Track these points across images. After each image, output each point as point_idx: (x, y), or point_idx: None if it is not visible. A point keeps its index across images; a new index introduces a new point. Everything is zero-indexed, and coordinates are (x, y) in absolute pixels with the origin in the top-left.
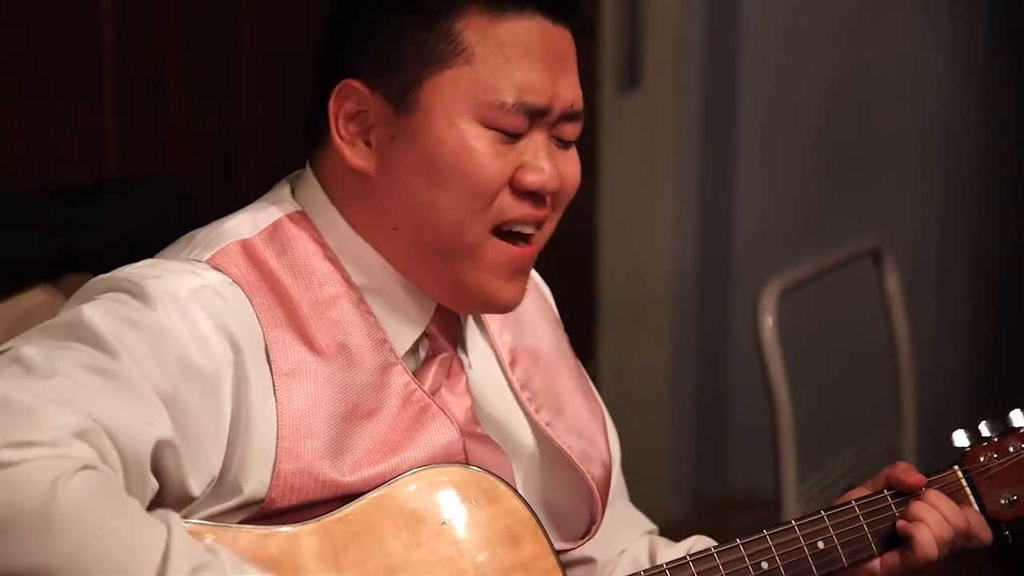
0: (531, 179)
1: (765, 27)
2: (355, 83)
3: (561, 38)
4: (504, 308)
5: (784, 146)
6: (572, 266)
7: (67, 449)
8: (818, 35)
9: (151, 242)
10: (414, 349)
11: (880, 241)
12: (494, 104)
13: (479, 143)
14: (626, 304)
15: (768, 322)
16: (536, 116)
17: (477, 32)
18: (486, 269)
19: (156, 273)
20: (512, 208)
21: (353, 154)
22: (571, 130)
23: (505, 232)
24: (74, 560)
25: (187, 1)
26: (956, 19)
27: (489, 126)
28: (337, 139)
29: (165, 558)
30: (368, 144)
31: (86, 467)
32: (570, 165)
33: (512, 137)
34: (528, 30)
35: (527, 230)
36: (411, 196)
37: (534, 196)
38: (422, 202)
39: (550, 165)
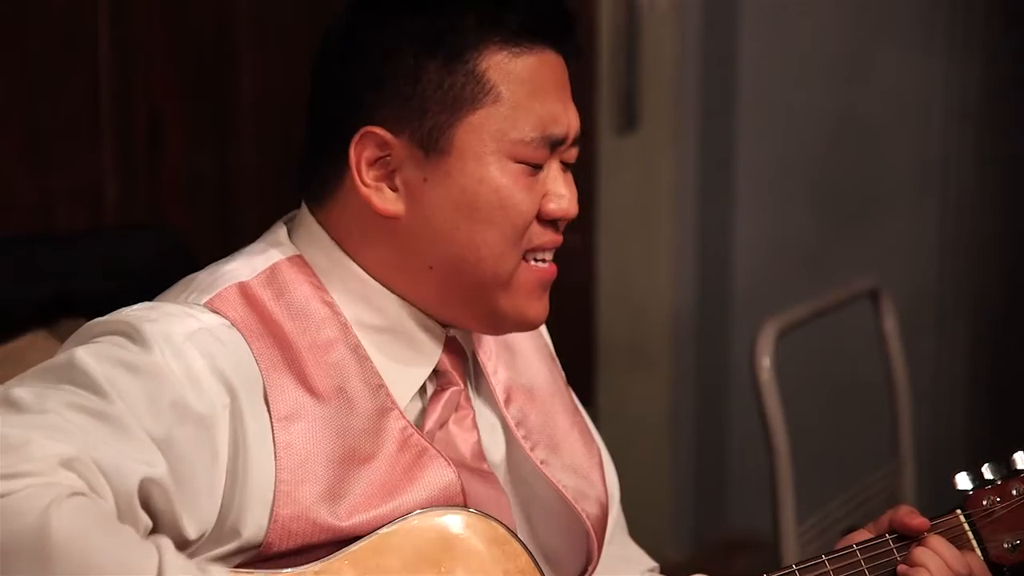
0: (554, 207)
1: (762, 68)
2: (376, 129)
3: (562, 66)
4: (535, 325)
5: (781, 186)
6: (571, 307)
7: (55, 477)
8: (815, 76)
9: (147, 288)
10: (423, 385)
11: (878, 281)
12: (524, 140)
13: (513, 179)
14: (625, 345)
15: (765, 363)
16: (556, 145)
17: (498, 70)
18: (519, 293)
19: (153, 316)
20: (539, 235)
21: (381, 200)
22: (575, 154)
23: (528, 255)
24: None
25: (185, 46)
26: (953, 59)
27: (517, 160)
28: (363, 188)
29: (160, 573)
30: (394, 188)
31: (76, 493)
32: (573, 188)
33: (536, 168)
34: (541, 63)
35: (548, 256)
36: (450, 235)
37: (553, 223)
38: (462, 240)
39: (568, 191)
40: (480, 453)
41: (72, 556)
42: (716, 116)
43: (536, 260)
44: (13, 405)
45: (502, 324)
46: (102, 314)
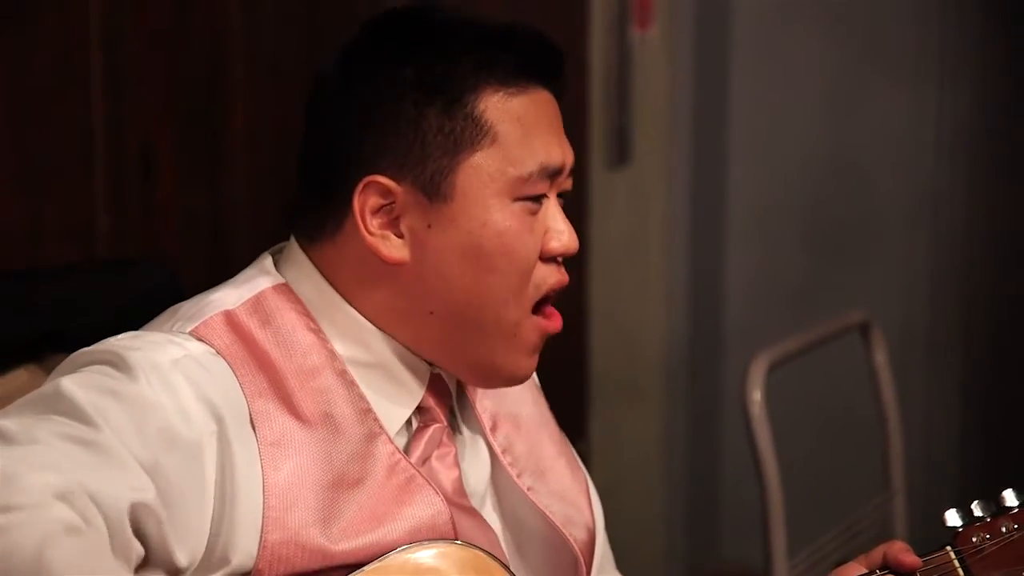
0: (555, 244)
1: (753, 103)
2: (379, 178)
3: (554, 102)
4: (521, 381)
5: (773, 221)
6: (563, 341)
7: (49, 511)
8: (806, 111)
9: (139, 323)
10: (407, 421)
11: (868, 315)
12: (523, 176)
13: (515, 220)
14: (617, 379)
15: (756, 396)
16: (553, 177)
17: (496, 111)
18: (519, 347)
19: (138, 345)
20: (546, 277)
21: (387, 248)
22: (569, 184)
23: (540, 306)
24: None
25: (178, 80)
26: (943, 94)
27: (518, 197)
28: (368, 237)
29: None
30: (399, 235)
31: (71, 528)
32: (569, 223)
33: (536, 204)
34: (535, 101)
35: (554, 297)
36: (456, 280)
37: (554, 260)
38: (467, 285)
39: (567, 227)
40: (461, 490)
41: None
42: (707, 150)
43: (540, 311)
44: (1, 437)
45: (493, 377)
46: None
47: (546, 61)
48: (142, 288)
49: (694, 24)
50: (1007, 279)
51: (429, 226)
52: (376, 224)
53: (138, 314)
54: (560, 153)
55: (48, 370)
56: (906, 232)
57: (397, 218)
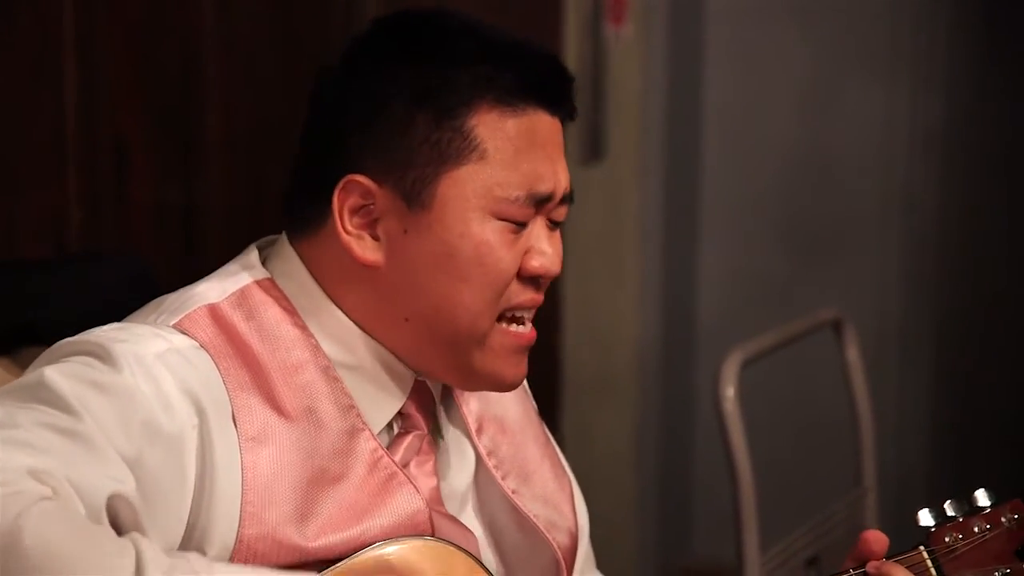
0: (536, 265)
1: (727, 100)
2: (360, 178)
3: (556, 128)
4: (510, 387)
5: (746, 218)
6: (536, 337)
7: (22, 485)
8: (779, 109)
9: (112, 317)
10: (388, 426)
11: (841, 312)
12: (509, 198)
13: (495, 236)
14: (590, 374)
15: (729, 392)
16: (541, 203)
17: (488, 128)
18: (495, 354)
19: (123, 337)
20: (517, 294)
21: (362, 249)
22: (563, 212)
23: (507, 316)
24: None
25: (151, 76)
26: (916, 92)
27: (500, 217)
28: (344, 236)
29: (139, 569)
30: (375, 237)
31: (44, 499)
32: (559, 246)
33: (520, 226)
34: (534, 124)
35: (527, 315)
36: (428, 289)
37: (535, 280)
38: (440, 295)
39: (551, 249)
40: (438, 499)
41: (47, 561)
42: (681, 147)
43: (514, 322)
44: None
45: (476, 382)
46: None
47: (551, 85)
48: (116, 282)
49: (668, 22)
50: (979, 277)
51: (405, 231)
52: (354, 224)
53: (112, 308)
54: (552, 181)
55: (21, 363)
56: (879, 230)
57: (376, 220)
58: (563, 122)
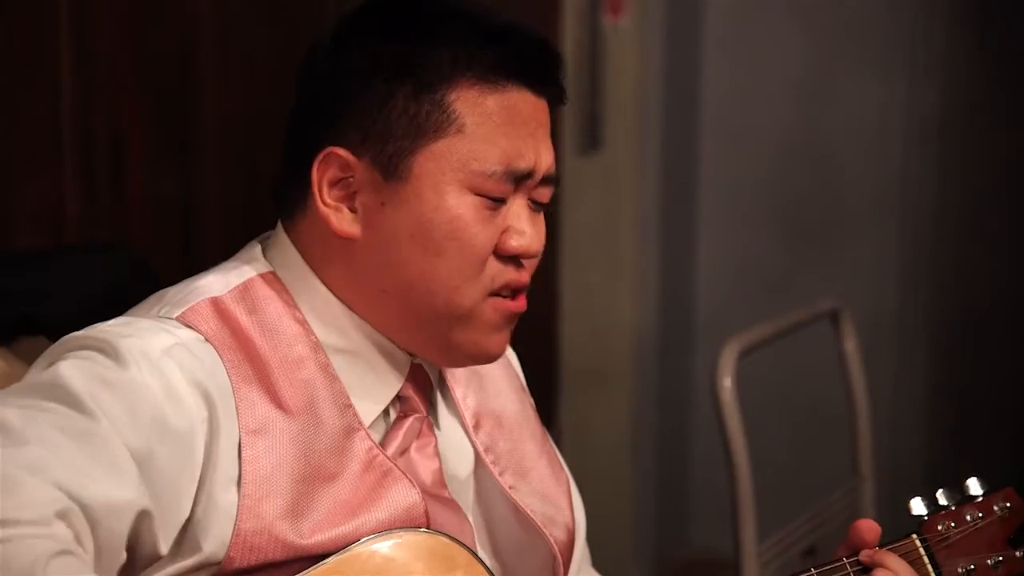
0: (515, 243)
1: (725, 91)
2: (339, 151)
3: (541, 108)
4: (493, 359)
5: (744, 208)
6: (533, 328)
7: (49, 530)
8: (777, 98)
9: (108, 308)
10: (386, 410)
11: (838, 302)
12: (485, 172)
13: (470, 211)
14: (587, 365)
15: (726, 383)
16: (521, 180)
17: (467, 104)
18: (479, 327)
19: (129, 332)
20: (501, 273)
21: (339, 220)
22: (546, 193)
23: (495, 294)
24: None
25: (148, 66)
26: (913, 83)
27: (477, 193)
28: (322, 207)
29: None
30: (353, 210)
31: (63, 552)
32: (542, 227)
33: (497, 202)
34: (515, 102)
35: (510, 294)
36: (404, 262)
37: (515, 260)
38: (415, 268)
39: (531, 228)
40: (441, 481)
41: None
42: (679, 137)
43: (503, 295)
44: (2, 430)
45: (458, 356)
46: (62, 333)
47: (536, 65)
48: (114, 273)
49: (666, 12)
50: (976, 268)
51: (382, 204)
52: (332, 196)
53: (109, 299)
54: (531, 159)
55: (19, 354)
56: (876, 221)
57: (354, 193)
58: (551, 104)
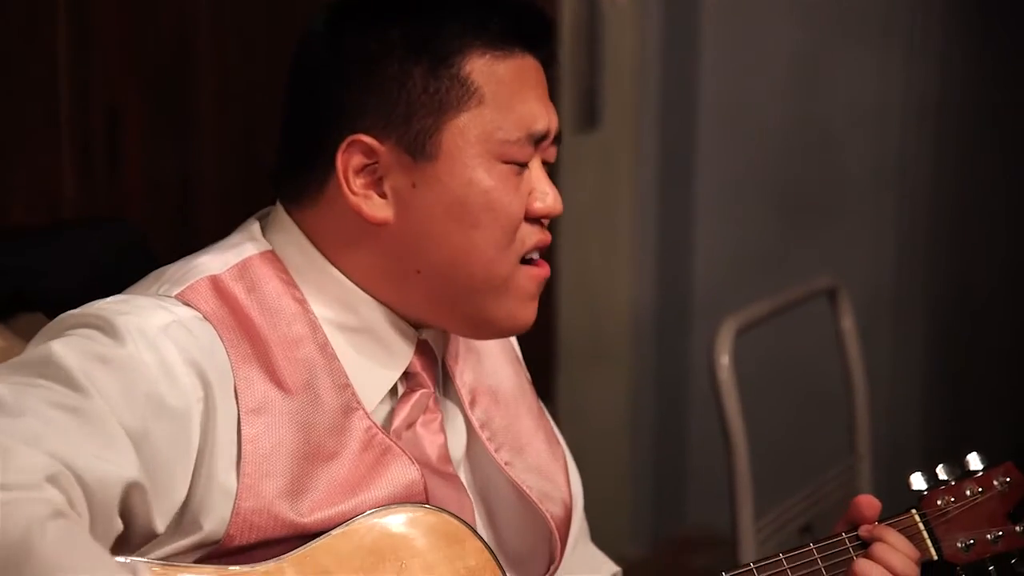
0: (541, 206)
1: (723, 68)
2: (362, 137)
3: (540, 70)
4: (525, 328)
5: (741, 185)
6: None
7: (40, 493)
8: (775, 76)
9: (105, 284)
10: (393, 388)
11: (836, 280)
12: (510, 139)
13: (500, 180)
14: (584, 343)
15: (724, 360)
16: (539, 142)
17: (482, 73)
18: (513, 297)
19: (127, 309)
20: (530, 236)
21: (370, 208)
22: (554, 153)
23: (524, 259)
24: None
25: (145, 43)
26: (910, 61)
27: (504, 160)
28: (351, 196)
29: None
30: (382, 195)
31: (57, 513)
32: (554, 186)
33: (522, 167)
34: (521, 67)
35: (537, 255)
36: (440, 240)
37: (539, 221)
38: (455, 244)
39: (552, 189)
40: (446, 456)
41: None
42: (677, 115)
43: (528, 263)
44: None
45: (491, 328)
46: (59, 310)
47: (534, 27)
48: (110, 249)
49: None
50: (973, 245)
51: (414, 185)
52: (359, 184)
53: (106, 275)
54: (546, 119)
55: (16, 331)
56: (874, 199)
57: (380, 178)
58: (545, 65)
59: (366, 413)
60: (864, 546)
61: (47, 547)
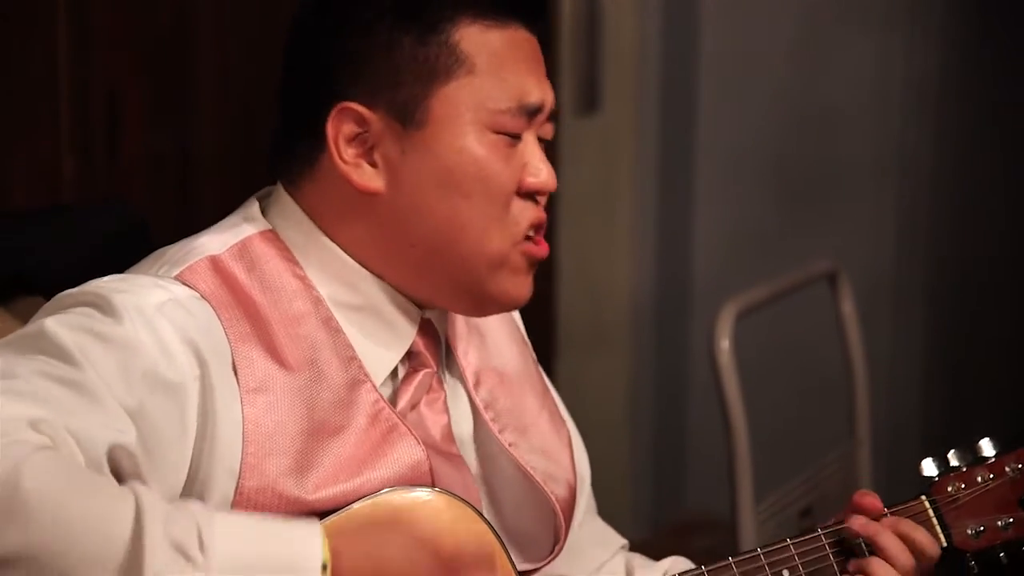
0: (533, 180)
1: (723, 52)
2: (352, 105)
3: (534, 43)
4: (520, 304)
5: (741, 170)
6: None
7: (21, 435)
8: (775, 60)
9: (105, 265)
10: (395, 367)
11: (836, 264)
12: (500, 109)
13: (491, 150)
14: (584, 327)
15: (724, 344)
16: (532, 115)
17: (472, 42)
18: (507, 273)
19: (124, 287)
20: (523, 212)
21: (360, 176)
22: (550, 130)
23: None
24: (52, 538)
25: (144, 25)
26: (912, 44)
27: (495, 131)
28: (341, 165)
29: (138, 517)
30: (373, 164)
31: (43, 447)
32: (549, 163)
33: (514, 139)
34: (514, 38)
35: (533, 233)
36: (432, 209)
37: (532, 197)
38: (444, 215)
39: (545, 165)
40: (450, 436)
41: (46, 508)
42: (677, 98)
43: (528, 240)
44: None
45: (486, 305)
46: (59, 291)
47: (524, 0)
48: (110, 231)
49: None
50: (973, 228)
51: (403, 153)
52: (351, 153)
53: (106, 257)
54: (539, 92)
55: (16, 313)
56: (874, 182)
57: (372, 147)
58: (539, 39)
59: (373, 386)
60: (842, 552)
61: (36, 481)
